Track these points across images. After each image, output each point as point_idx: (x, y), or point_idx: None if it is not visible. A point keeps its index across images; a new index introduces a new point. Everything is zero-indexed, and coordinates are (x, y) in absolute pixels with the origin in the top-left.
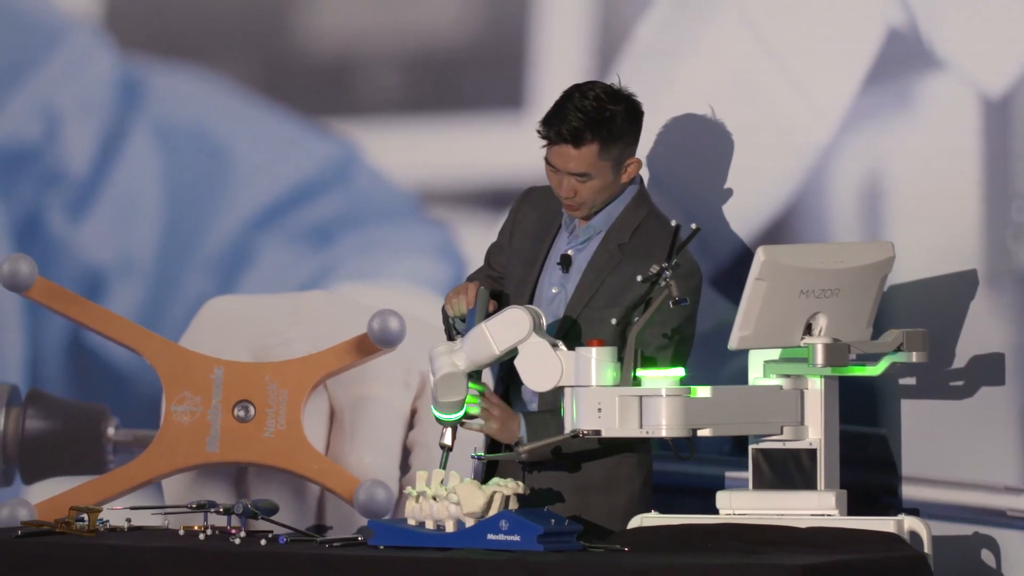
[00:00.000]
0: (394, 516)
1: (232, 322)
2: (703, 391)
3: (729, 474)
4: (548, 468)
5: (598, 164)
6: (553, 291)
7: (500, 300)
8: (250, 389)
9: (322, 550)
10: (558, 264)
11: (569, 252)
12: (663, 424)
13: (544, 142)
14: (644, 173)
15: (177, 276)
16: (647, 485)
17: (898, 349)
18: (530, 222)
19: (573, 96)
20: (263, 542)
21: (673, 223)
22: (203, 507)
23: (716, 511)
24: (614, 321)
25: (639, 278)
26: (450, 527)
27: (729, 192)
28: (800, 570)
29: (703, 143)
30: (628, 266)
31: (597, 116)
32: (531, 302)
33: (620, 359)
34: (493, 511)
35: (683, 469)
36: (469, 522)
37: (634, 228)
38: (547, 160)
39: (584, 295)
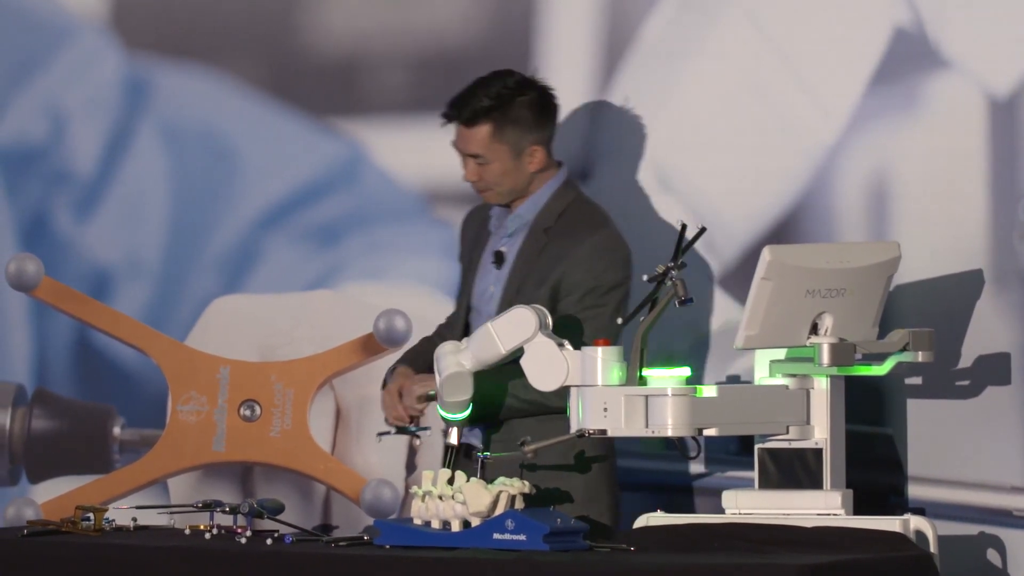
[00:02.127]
0: (400, 515)
1: (238, 322)
2: (709, 391)
3: (735, 474)
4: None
5: (493, 146)
6: (491, 290)
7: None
8: (256, 389)
9: (328, 549)
10: (492, 263)
11: (502, 248)
12: (669, 424)
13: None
14: (647, 172)
15: (183, 276)
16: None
17: (904, 349)
18: (470, 237)
19: (481, 81)
20: (269, 541)
21: (680, 222)
22: (209, 506)
23: (722, 511)
24: (544, 304)
25: (644, 277)
26: (456, 526)
27: (735, 192)
28: (806, 570)
29: (709, 143)
30: (553, 247)
31: (494, 99)
32: (469, 307)
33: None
34: (499, 510)
35: (689, 469)
36: (475, 521)
37: (560, 212)
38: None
39: (514, 284)
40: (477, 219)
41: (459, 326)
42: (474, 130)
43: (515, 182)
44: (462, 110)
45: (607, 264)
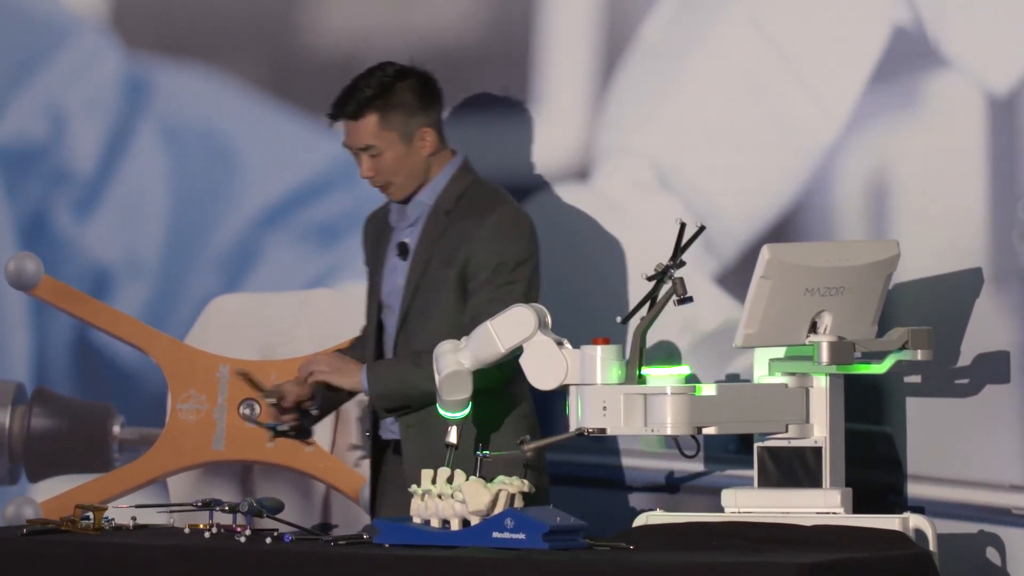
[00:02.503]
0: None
1: (238, 320)
2: (708, 389)
3: (734, 472)
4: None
5: (382, 135)
6: (399, 283)
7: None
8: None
9: (328, 548)
10: (397, 256)
11: (404, 240)
12: (668, 422)
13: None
14: (649, 170)
15: (183, 274)
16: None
17: (903, 347)
18: (372, 238)
19: (359, 76)
20: (268, 540)
21: (678, 221)
22: (209, 505)
23: (721, 509)
24: (451, 283)
25: (644, 276)
26: (455, 525)
27: (734, 190)
28: (805, 568)
29: (708, 142)
30: (455, 229)
31: (375, 88)
32: (380, 306)
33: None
34: (498, 509)
35: (688, 467)
36: (474, 520)
37: (459, 195)
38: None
39: (418, 267)
40: (376, 222)
41: (371, 326)
42: (361, 122)
43: (411, 169)
44: (346, 105)
45: (511, 240)
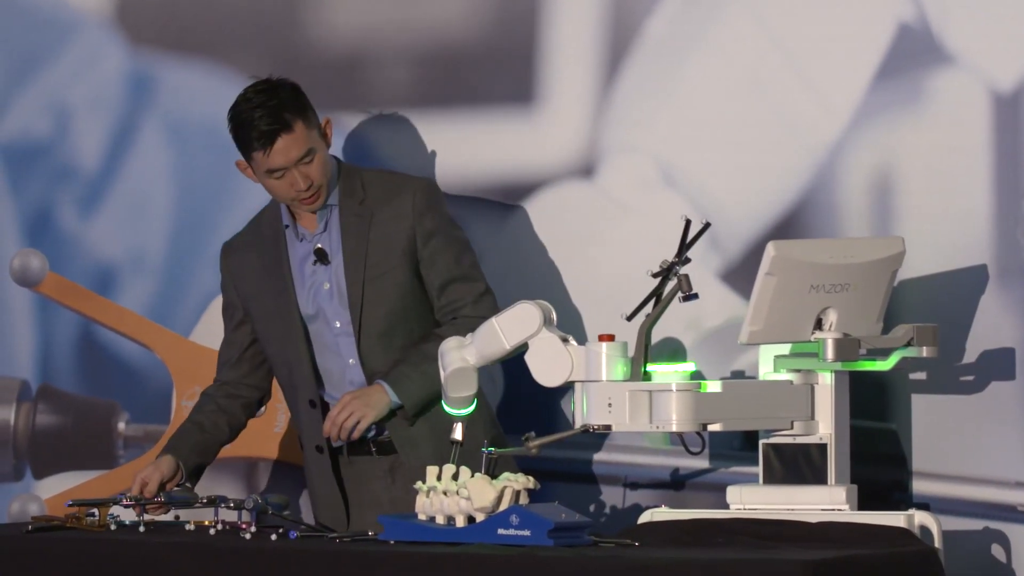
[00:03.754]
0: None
1: None
2: (713, 386)
3: (739, 469)
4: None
5: (311, 136)
6: (326, 287)
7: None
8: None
9: (333, 545)
10: (314, 264)
11: (318, 245)
12: (673, 419)
13: (241, 169)
14: (654, 168)
15: (188, 271)
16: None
17: (908, 344)
18: (250, 264)
19: (241, 110)
20: (274, 537)
21: (683, 218)
22: (214, 502)
23: (726, 506)
24: (401, 266)
25: (649, 272)
26: (460, 522)
27: (739, 187)
28: (811, 565)
29: (713, 139)
30: (382, 213)
31: (279, 99)
32: (301, 320)
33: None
34: (504, 506)
35: (693, 464)
36: (479, 517)
37: (361, 185)
38: (269, 171)
39: (357, 262)
40: (250, 246)
41: (299, 345)
42: (295, 132)
43: (329, 167)
44: (277, 121)
45: (440, 202)
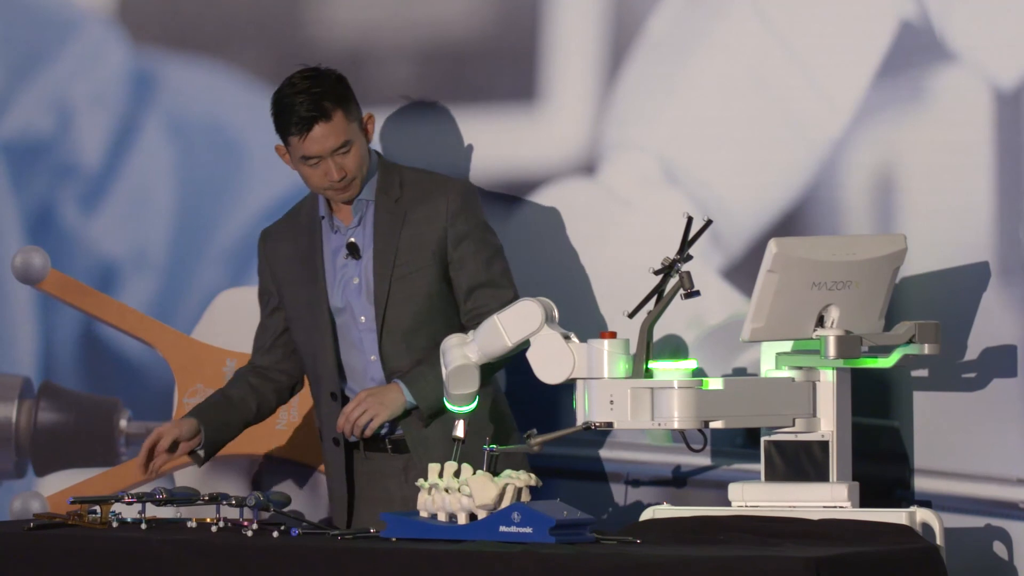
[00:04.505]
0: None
1: (245, 314)
2: (715, 383)
3: (741, 466)
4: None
5: (350, 128)
6: (355, 282)
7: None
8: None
9: (334, 542)
10: (346, 257)
11: (351, 239)
12: (675, 416)
13: (279, 154)
14: (656, 165)
15: (190, 268)
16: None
17: (910, 341)
18: (285, 252)
19: (284, 94)
20: (275, 534)
21: (685, 215)
22: (215, 499)
23: (728, 503)
24: (430, 267)
25: (651, 270)
26: (462, 519)
27: (741, 185)
28: (812, 562)
29: (715, 136)
30: (416, 212)
31: (320, 86)
32: (329, 313)
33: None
34: (505, 503)
35: (695, 461)
36: (481, 514)
37: (399, 183)
38: (304, 158)
39: (386, 258)
40: (288, 233)
41: (326, 336)
42: (333, 121)
43: (366, 160)
44: (316, 109)
45: (476, 206)
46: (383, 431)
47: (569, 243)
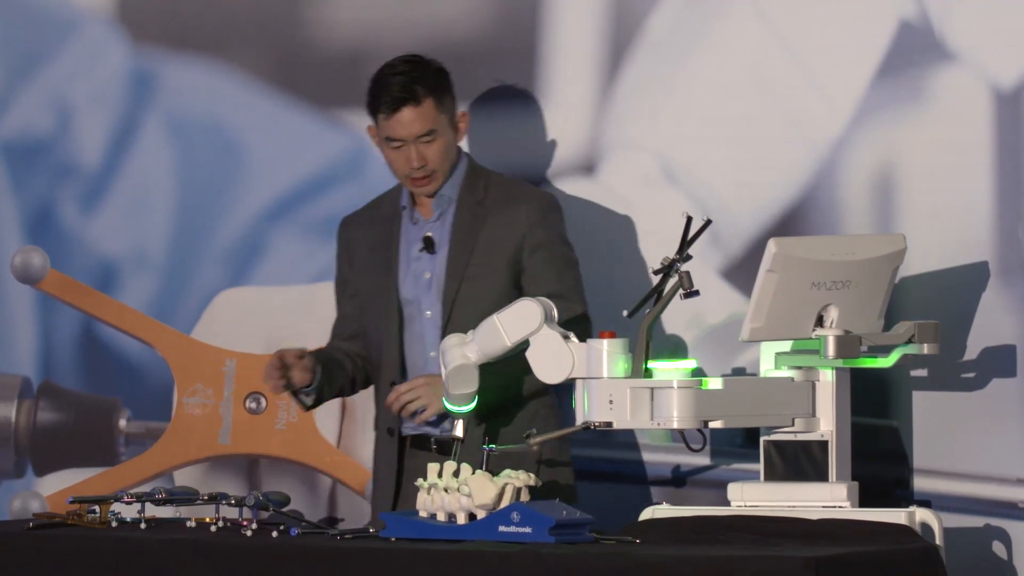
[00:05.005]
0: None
1: (244, 314)
2: (715, 383)
3: (740, 466)
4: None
5: (439, 119)
6: (426, 276)
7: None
8: (262, 381)
9: (334, 542)
10: (421, 251)
11: (428, 233)
12: (675, 416)
13: (370, 134)
14: (655, 164)
15: (189, 268)
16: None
17: (910, 341)
18: (364, 240)
19: (383, 73)
20: (275, 534)
21: (685, 215)
22: (215, 499)
23: (728, 503)
24: (502, 272)
25: (651, 269)
26: (461, 519)
27: (741, 184)
28: (812, 562)
29: (715, 135)
30: (496, 217)
31: (419, 72)
32: (398, 303)
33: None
34: (504, 503)
35: (695, 461)
36: (480, 514)
37: (484, 186)
38: (388, 139)
39: (460, 258)
40: (368, 221)
41: (393, 326)
42: (422, 106)
43: (452, 157)
44: (399, 93)
45: (558, 220)
46: (438, 427)
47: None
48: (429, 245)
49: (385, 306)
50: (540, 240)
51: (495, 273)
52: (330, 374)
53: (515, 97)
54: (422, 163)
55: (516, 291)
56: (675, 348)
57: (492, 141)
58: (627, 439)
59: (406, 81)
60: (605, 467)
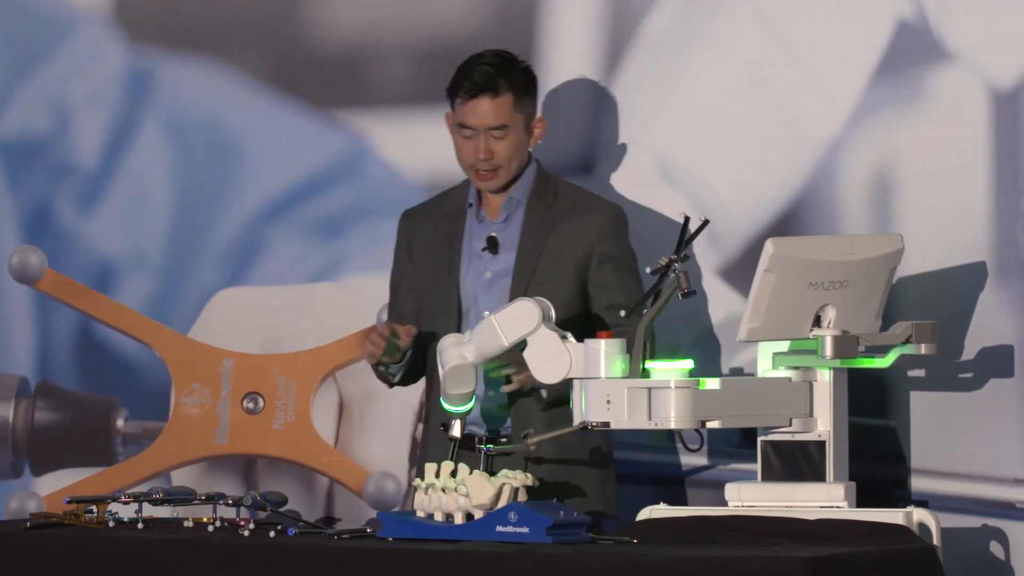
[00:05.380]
0: (403, 508)
1: (241, 314)
2: (712, 383)
3: (737, 466)
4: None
5: (514, 116)
6: (487, 276)
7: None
8: (259, 381)
9: (331, 542)
10: (483, 250)
11: (492, 233)
12: (672, 416)
13: (447, 121)
14: (653, 164)
15: (187, 268)
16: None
17: (907, 341)
18: (426, 234)
19: (470, 60)
20: (272, 534)
21: (682, 214)
22: (212, 499)
23: (725, 503)
24: (569, 279)
25: (648, 270)
26: (459, 519)
27: (738, 184)
28: (809, 562)
29: (712, 135)
30: (566, 225)
31: (505, 67)
32: (460, 299)
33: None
34: (502, 503)
35: (692, 461)
36: (478, 514)
37: (553, 192)
38: (461, 125)
39: (529, 262)
40: (431, 216)
41: (452, 320)
42: (499, 99)
43: (521, 158)
44: (480, 81)
45: (625, 235)
46: (498, 433)
47: None
48: (493, 245)
49: (444, 301)
50: (610, 252)
51: (562, 280)
52: (413, 358)
53: None
54: (489, 156)
55: (581, 299)
56: (673, 348)
57: None
58: (625, 439)
59: (490, 72)
60: None
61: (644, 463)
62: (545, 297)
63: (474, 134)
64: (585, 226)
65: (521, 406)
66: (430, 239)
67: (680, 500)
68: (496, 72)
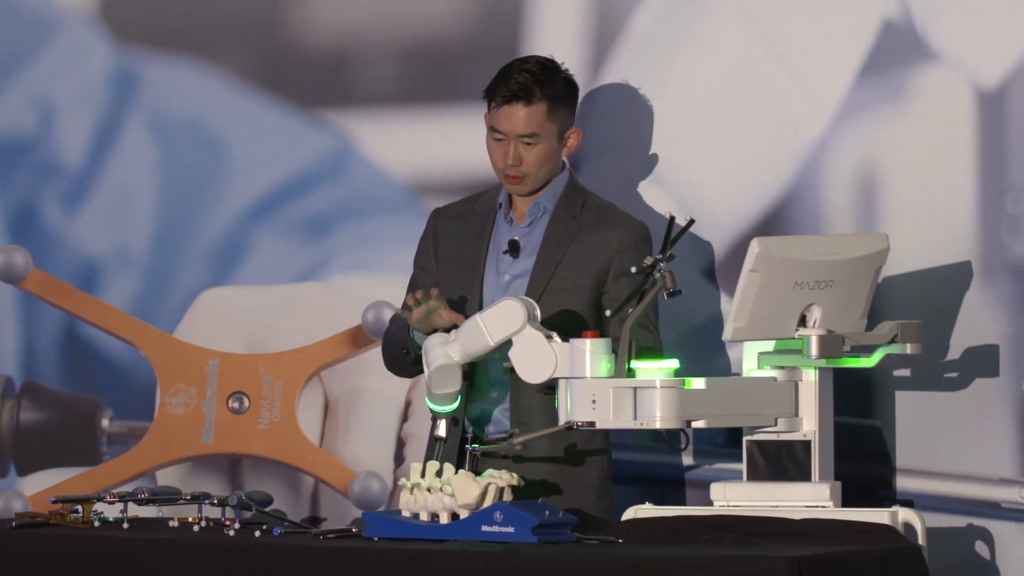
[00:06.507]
0: (388, 508)
1: (227, 314)
2: (697, 383)
3: (723, 466)
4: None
5: (546, 126)
6: (505, 279)
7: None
8: (244, 381)
9: (316, 542)
10: (505, 252)
11: (515, 238)
12: (657, 416)
13: (484, 120)
14: (636, 164)
15: (172, 268)
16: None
17: (892, 341)
18: (453, 232)
19: (514, 65)
20: (257, 534)
21: (668, 214)
22: (197, 499)
23: (711, 503)
24: (585, 289)
25: (633, 270)
26: (444, 519)
27: (724, 184)
28: (795, 562)
29: (698, 135)
30: (588, 235)
31: (544, 76)
32: (480, 298)
33: (608, 336)
34: (487, 503)
35: (677, 461)
36: (463, 514)
37: (581, 203)
38: (492, 128)
39: (547, 269)
40: (461, 215)
41: (475, 294)
42: (533, 107)
43: (551, 167)
44: (515, 87)
45: (648, 245)
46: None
47: None
48: (513, 249)
49: (467, 296)
50: (627, 266)
51: (579, 289)
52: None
53: None
54: (516, 162)
55: (595, 310)
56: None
57: (477, 142)
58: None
59: (529, 79)
60: None
61: (629, 463)
62: (559, 303)
63: (505, 139)
64: (607, 239)
65: (522, 403)
66: (458, 236)
67: (665, 500)
68: (533, 81)
